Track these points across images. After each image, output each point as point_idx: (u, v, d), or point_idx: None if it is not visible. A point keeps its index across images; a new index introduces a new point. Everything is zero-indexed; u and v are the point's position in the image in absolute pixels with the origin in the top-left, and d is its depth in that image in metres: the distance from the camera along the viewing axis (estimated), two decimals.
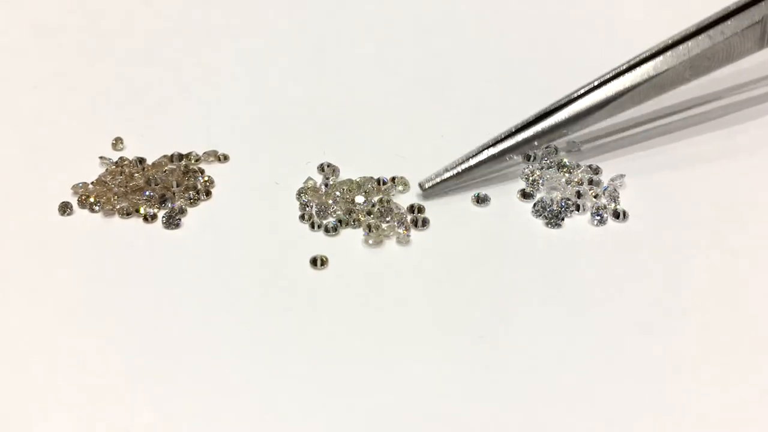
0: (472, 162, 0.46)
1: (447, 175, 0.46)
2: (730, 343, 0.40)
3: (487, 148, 0.46)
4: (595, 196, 0.46)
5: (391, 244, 0.44)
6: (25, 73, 0.54)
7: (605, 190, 0.46)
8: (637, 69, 0.46)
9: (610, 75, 0.47)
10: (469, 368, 0.39)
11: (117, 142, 0.49)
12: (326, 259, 0.43)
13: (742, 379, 0.39)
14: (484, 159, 0.46)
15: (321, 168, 0.48)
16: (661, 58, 0.46)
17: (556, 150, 0.48)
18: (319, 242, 0.44)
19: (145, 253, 0.43)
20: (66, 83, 0.53)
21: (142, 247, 0.44)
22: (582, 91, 0.46)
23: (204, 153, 0.48)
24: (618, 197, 0.46)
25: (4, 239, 0.44)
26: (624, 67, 0.47)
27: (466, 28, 0.59)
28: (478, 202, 0.46)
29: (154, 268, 0.43)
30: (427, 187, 0.46)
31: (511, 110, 0.52)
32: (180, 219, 0.45)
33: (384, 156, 0.48)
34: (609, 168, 0.48)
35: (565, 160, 0.47)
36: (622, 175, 0.47)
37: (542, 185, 0.46)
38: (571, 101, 0.46)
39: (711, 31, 0.47)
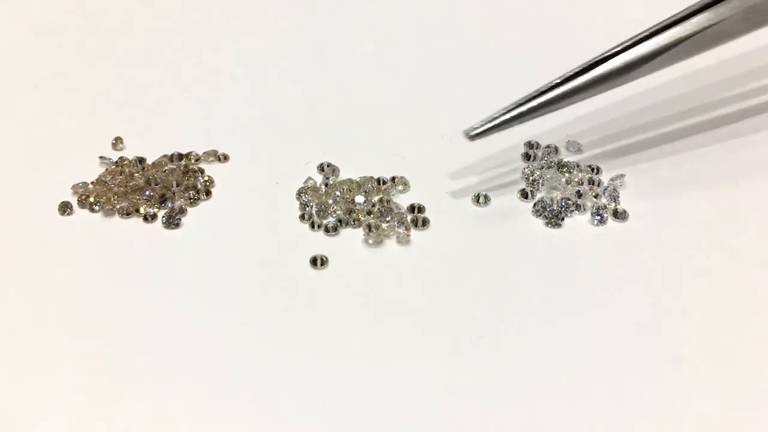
0: (521, 109, 0.44)
1: (493, 123, 0.44)
2: (730, 343, 0.40)
3: (537, 96, 0.45)
4: (595, 196, 0.46)
5: (391, 244, 0.44)
6: (25, 73, 0.54)
7: (605, 189, 0.46)
8: (690, 20, 0.45)
9: (662, 25, 0.45)
10: (469, 368, 0.39)
11: (117, 142, 0.49)
12: (326, 259, 0.43)
13: (743, 379, 0.39)
14: (534, 106, 0.44)
15: (321, 168, 0.48)
16: (714, 9, 0.45)
17: (557, 149, 0.48)
18: (319, 242, 0.44)
19: (145, 253, 0.43)
20: (66, 83, 0.53)
21: (142, 247, 0.44)
22: (634, 40, 0.45)
23: (204, 153, 0.48)
24: (618, 197, 0.46)
25: (4, 239, 0.44)
26: (675, 18, 0.45)
27: (466, 28, 0.59)
28: (478, 202, 0.46)
29: (154, 268, 0.43)
30: (472, 134, 0.44)
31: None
32: (180, 219, 0.45)
33: (384, 156, 0.48)
34: (609, 168, 0.48)
35: (565, 159, 0.47)
36: (622, 175, 0.47)
37: (542, 185, 0.46)
38: (622, 50, 0.44)
39: None
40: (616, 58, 0.44)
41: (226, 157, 0.49)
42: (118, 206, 0.45)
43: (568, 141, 0.49)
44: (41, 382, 0.38)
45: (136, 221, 0.45)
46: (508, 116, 0.44)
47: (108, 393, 0.38)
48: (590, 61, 0.45)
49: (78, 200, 0.45)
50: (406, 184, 0.47)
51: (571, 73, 0.45)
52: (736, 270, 0.43)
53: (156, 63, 0.55)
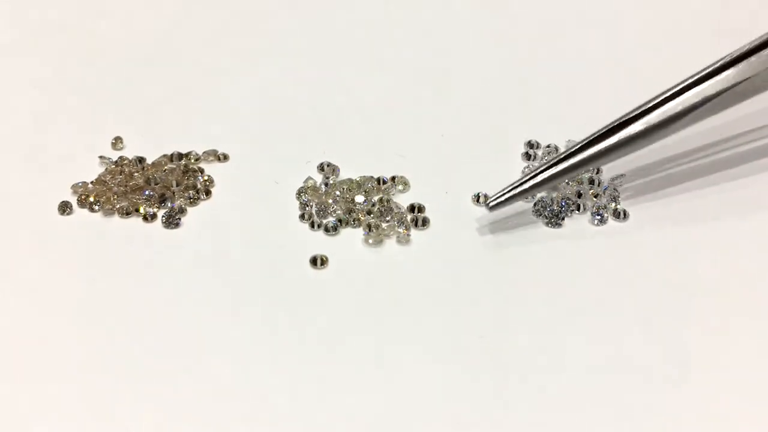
0: (539, 179, 0.43)
1: (513, 192, 0.43)
2: (730, 343, 0.40)
3: (556, 163, 0.43)
4: (595, 196, 0.46)
5: (391, 243, 0.44)
6: (25, 73, 0.54)
7: (605, 189, 0.46)
8: (719, 75, 0.42)
9: (689, 82, 0.43)
10: (469, 368, 0.39)
11: (117, 142, 0.49)
12: (326, 258, 0.43)
13: (743, 379, 0.39)
14: (553, 175, 0.43)
15: (321, 167, 0.48)
16: (744, 63, 0.42)
17: (557, 149, 0.48)
18: (319, 242, 0.44)
19: (145, 252, 0.43)
20: (66, 83, 0.53)
21: (142, 246, 0.44)
22: (657, 100, 0.43)
23: (204, 152, 0.48)
24: (618, 197, 0.46)
25: (4, 239, 0.44)
26: (703, 74, 0.43)
27: (466, 28, 0.59)
28: (478, 201, 0.46)
29: (154, 268, 0.43)
30: (491, 205, 0.43)
31: (511, 109, 0.52)
32: (180, 218, 0.45)
33: (384, 156, 0.48)
34: (609, 168, 0.48)
35: None
36: (622, 175, 0.47)
37: None
38: (645, 111, 0.43)
39: None
40: (639, 121, 0.42)
41: (225, 157, 0.49)
42: (118, 206, 0.45)
43: (568, 141, 0.49)
44: (41, 381, 0.38)
45: (135, 221, 0.45)
46: (527, 185, 0.43)
47: (108, 392, 0.38)
48: (610, 124, 0.43)
49: (78, 200, 0.45)
50: (406, 184, 0.47)
51: (591, 138, 0.43)
52: (735, 270, 0.43)
53: (156, 63, 0.55)
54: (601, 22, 0.59)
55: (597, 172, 0.47)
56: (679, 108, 0.42)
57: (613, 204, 0.46)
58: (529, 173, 0.43)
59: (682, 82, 0.43)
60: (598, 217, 0.45)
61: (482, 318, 0.41)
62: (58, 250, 0.43)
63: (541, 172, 0.43)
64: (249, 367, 0.39)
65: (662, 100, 0.43)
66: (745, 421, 0.37)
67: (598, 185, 0.46)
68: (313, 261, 0.43)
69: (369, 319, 0.41)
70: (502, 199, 0.43)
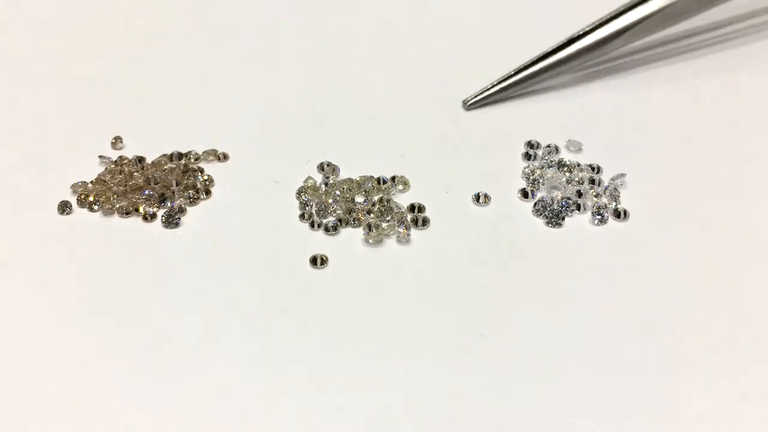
0: (511, 81, 0.51)
1: (488, 92, 0.51)
2: (731, 343, 0.40)
3: (524, 69, 0.52)
4: (595, 196, 0.46)
5: (391, 243, 0.44)
6: (25, 72, 0.54)
7: (606, 189, 0.46)
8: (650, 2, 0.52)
9: (626, 6, 0.52)
10: (470, 367, 0.39)
11: (116, 141, 0.49)
12: (326, 258, 0.43)
13: (744, 379, 0.39)
14: (521, 78, 0.52)
15: (321, 167, 0.48)
16: None
17: (557, 149, 0.48)
18: (319, 241, 0.44)
19: (144, 252, 0.43)
20: (66, 82, 0.53)
21: (141, 246, 0.44)
22: (603, 20, 0.52)
23: (203, 152, 0.48)
24: (619, 196, 0.46)
25: (4, 239, 0.44)
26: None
27: (466, 28, 0.59)
28: (478, 201, 0.46)
29: (153, 268, 0.43)
30: (469, 103, 0.51)
31: (511, 109, 0.52)
32: (180, 218, 0.45)
33: (384, 155, 0.48)
34: (609, 167, 0.48)
35: (566, 159, 0.47)
36: (622, 174, 0.47)
37: (543, 184, 0.46)
38: (593, 29, 0.52)
39: None
40: (591, 34, 0.52)
41: (225, 156, 0.49)
42: (118, 205, 0.45)
43: (569, 140, 0.49)
44: (40, 381, 0.38)
45: (135, 220, 0.45)
46: (503, 84, 0.51)
47: (108, 392, 0.38)
48: (569, 37, 0.52)
49: (77, 199, 0.45)
50: (406, 183, 0.47)
51: (554, 47, 0.52)
52: (736, 270, 0.43)
53: (156, 63, 0.55)
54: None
55: (597, 172, 0.47)
56: (619, 26, 0.52)
57: (614, 203, 0.46)
58: (505, 75, 0.52)
59: (622, 6, 0.52)
60: (599, 217, 0.45)
61: (482, 318, 0.41)
62: (58, 250, 0.43)
63: (516, 73, 0.52)
64: (249, 366, 0.39)
65: (605, 21, 0.52)
66: (746, 419, 0.37)
67: (599, 185, 0.46)
68: (313, 261, 0.43)
69: (369, 318, 0.41)
70: (480, 97, 0.51)
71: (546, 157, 0.48)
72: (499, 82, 0.52)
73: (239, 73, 0.54)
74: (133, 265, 0.43)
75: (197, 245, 0.44)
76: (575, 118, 0.51)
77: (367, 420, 0.37)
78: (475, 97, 0.51)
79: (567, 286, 0.42)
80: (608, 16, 0.52)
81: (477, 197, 0.46)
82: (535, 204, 0.45)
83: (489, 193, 0.46)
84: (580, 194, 0.46)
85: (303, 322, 0.40)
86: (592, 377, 0.39)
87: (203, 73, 0.54)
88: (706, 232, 0.45)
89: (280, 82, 0.54)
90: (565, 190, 0.46)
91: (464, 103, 0.51)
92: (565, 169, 0.47)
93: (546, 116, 0.51)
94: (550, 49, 0.52)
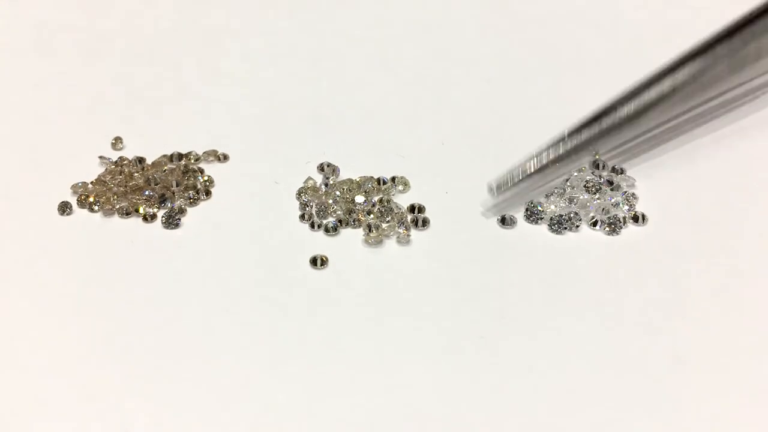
0: (539, 164, 0.45)
1: (516, 179, 0.45)
2: (732, 345, 0.40)
3: (549, 149, 0.46)
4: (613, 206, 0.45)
5: (391, 244, 0.44)
6: (25, 73, 0.54)
7: (622, 195, 0.45)
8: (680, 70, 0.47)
9: (656, 75, 0.47)
10: (470, 368, 0.39)
11: (116, 142, 0.49)
12: (326, 259, 0.43)
13: (755, 384, 0.38)
14: (552, 160, 0.45)
15: (321, 168, 0.48)
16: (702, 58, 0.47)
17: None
18: (319, 242, 0.44)
19: (144, 253, 0.43)
20: (66, 83, 0.53)
21: (141, 247, 0.44)
22: (628, 92, 0.47)
23: (204, 152, 0.48)
24: (634, 203, 0.45)
25: (4, 239, 0.44)
26: (666, 68, 0.47)
27: (466, 28, 0.59)
28: (503, 223, 0.45)
29: (153, 268, 0.43)
30: (496, 193, 0.45)
31: (511, 109, 0.52)
32: (180, 219, 0.45)
33: (384, 156, 0.48)
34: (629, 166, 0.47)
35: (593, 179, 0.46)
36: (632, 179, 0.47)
37: (560, 197, 0.45)
38: (623, 100, 0.47)
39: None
40: (616, 112, 0.46)
41: (226, 157, 0.49)
42: (118, 206, 0.45)
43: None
44: (40, 381, 0.38)
45: (135, 221, 0.45)
46: (527, 176, 0.45)
47: (107, 393, 0.38)
48: (595, 112, 0.47)
49: (77, 200, 0.45)
50: (406, 184, 0.47)
51: (578, 126, 0.46)
52: (742, 273, 0.43)
53: (156, 63, 0.55)
54: (604, 22, 0.59)
55: (621, 172, 0.47)
56: (653, 96, 0.47)
57: (628, 210, 0.45)
58: (526, 158, 0.45)
59: (651, 75, 0.47)
60: (602, 220, 0.45)
61: (482, 318, 0.41)
62: (58, 250, 0.43)
63: (542, 158, 0.45)
64: (249, 367, 0.39)
65: (640, 87, 0.47)
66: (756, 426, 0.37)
67: (616, 191, 0.46)
68: (313, 261, 0.43)
69: (369, 319, 0.41)
70: (507, 187, 0.45)
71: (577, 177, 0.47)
72: (523, 176, 0.45)
73: (239, 73, 0.54)
74: (134, 266, 0.43)
75: (197, 246, 0.44)
76: (575, 119, 0.51)
77: (366, 420, 0.37)
78: (499, 188, 0.45)
79: (567, 286, 0.42)
80: (633, 88, 0.47)
81: (503, 220, 0.45)
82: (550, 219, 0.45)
83: (488, 193, 0.46)
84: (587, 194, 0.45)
85: (303, 323, 0.40)
86: (593, 379, 0.39)
87: (203, 73, 0.54)
88: (712, 236, 0.44)
89: (280, 82, 0.54)
90: (579, 206, 0.45)
91: (490, 190, 0.45)
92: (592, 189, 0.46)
93: (546, 115, 0.51)
94: (580, 124, 0.46)
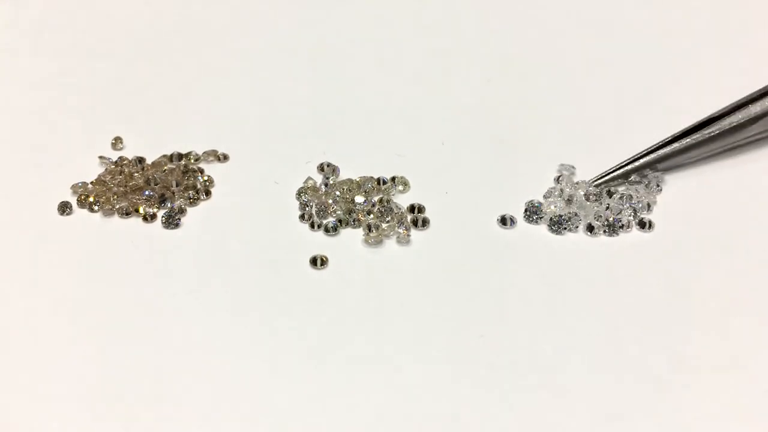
0: (642, 161, 0.46)
1: (613, 174, 0.46)
2: (733, 348, 0.40)
3: (655, 150, 0.46)
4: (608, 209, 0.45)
5: (391, 244, 0.44)
6: (25, 73, 0.54)
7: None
8: None
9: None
10: (470, 368, 0.39)
11: (116, 142, 0.49)
12: (326, 259, 0.43)
13: (760, 389, 0.38)
14: (654, 159, 0.46)
15: (321, 168, 0.48)
16: None
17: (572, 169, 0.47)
18: (319, 242, 0.44)
19: (144, 253, 0.43)
20: (66, 83, 0.53)
21: (141, 247, 0.44)
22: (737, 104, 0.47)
23: (204, 152, 0.48)
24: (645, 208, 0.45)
25: (4, 239, 0.44)
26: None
27: (466, 28, 0.59)
28: (504, 224, 0.45)
29: (153, 268, 0.43)
30: (596, 183, 0.46)
31: (511, 109, 0.52)
32: (180, 219, 0.45)
33: (384, 156, 0.48)
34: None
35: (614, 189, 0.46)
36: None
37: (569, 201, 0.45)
38: (729, 112, 0.47)
39: None
40: (727, 117, 0.47)
41: (226, 157, 0.49)
42: (118, 206, 0.45)
43: (561, 164, 0.47)
44: (39, 382, 0.38)
45: (135, 221, 0.45)
46: (630, 167, 0.46)
47: (106, 393, 0.38)
48: (694, 123, 0.47)
49: (77, 200, 0.45)
50: (406, 184, 0.47)
51: (678, 134, 0.47)
52: (744, 274, 0.43)
53: (156, 63, 0.55)
54: (604, 22, 0.59)
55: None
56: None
57: (635, 215, 0.45)
58: (631, 158, 0.46)
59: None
60: (596, 225, 0.45)
61: (482, 318, 0.41)
62: (58, 251, 0.43)
63: (642, 156, 0.46)
64: (248, 367, 0.39)
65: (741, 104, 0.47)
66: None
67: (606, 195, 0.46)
68: (313, 261, 0.43)
69: (369, 319, 0.41)
70: (606, 179, 0.46)
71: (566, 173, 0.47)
72: (624, 165, 0.46)
73: (239, 73, 0.54)
74: (133, 266, 0.43)
75: (197, 246, 0.44)
76: (576, 119, 0.51)
77: (366, 420, 0.37)
78: (600, 178, 0.46)
79: (566, 286, 0.42)
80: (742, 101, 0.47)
81: (503, 220, 0.45)
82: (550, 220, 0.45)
83: (489, 195, 0.46)
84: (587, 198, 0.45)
85: (303, 323, 0.40)
86: (593, 379, 0.38)
87: (203, 73, 0.54)
88: (716, 238, 0.44)
89: (280, 81, 0.54)
90: (587, 212, 0.45)
91: (590, 182, 0.46)
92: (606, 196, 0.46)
93: (546, 115, 0.51)
94: (679, 133, 0.47)
